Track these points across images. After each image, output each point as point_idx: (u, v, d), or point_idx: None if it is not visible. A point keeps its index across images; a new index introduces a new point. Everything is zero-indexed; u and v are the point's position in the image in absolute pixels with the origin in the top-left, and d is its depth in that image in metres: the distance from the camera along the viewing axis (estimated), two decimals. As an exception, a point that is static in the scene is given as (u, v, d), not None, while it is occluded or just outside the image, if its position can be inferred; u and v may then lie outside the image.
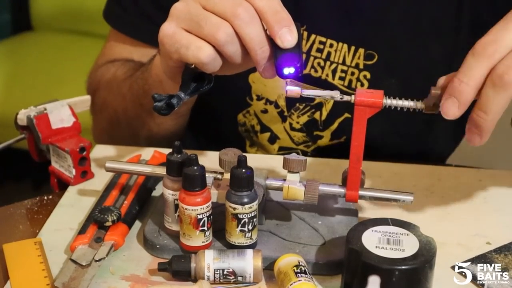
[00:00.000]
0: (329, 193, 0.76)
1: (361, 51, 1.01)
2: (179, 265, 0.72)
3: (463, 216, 0.85)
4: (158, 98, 0.74)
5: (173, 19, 0.75)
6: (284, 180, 0.76)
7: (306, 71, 1.02)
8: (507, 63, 0.67)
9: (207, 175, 0.74)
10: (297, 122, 1.06)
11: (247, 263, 0.71)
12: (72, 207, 0.85)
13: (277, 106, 1.06)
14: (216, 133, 1.13)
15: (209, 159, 0.81)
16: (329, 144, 1.07)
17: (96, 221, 0.77)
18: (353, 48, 1.01)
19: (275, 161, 0.90)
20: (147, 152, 0.93)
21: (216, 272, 0.71)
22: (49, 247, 0.78)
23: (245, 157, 0.73)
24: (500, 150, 1.66)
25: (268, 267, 0.73)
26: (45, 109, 0.89)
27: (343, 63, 1.02)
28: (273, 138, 1.08)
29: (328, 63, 1.02)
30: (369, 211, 0.81)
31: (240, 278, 0.71)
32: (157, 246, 0.76)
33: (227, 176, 0.75)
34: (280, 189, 0.76)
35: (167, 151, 0.81)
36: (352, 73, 1.02)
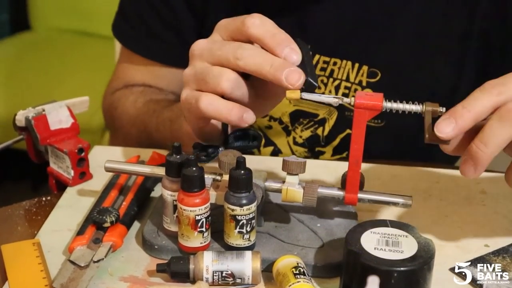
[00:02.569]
0: (328, 195, 0.76)
1: (365, 68, 1.01)
2: (177, 266, 0.72)
3: (461, 218, 0.85)
4: (197, 145, 0.79)
5: (186, 85, 0.78)
6: (283, 182, 0.76)
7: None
8: None
9: (206, 176, 0.74)
10: (300, 137, 1.06)
11: (246, 265, 0.71)
12: (71, 208, 0.85)
13: (281, 122, 1.07)
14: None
15: (208, 161, 0.82)
16: (332, 159, 1.08)
17: (95, 222, 0.77)
18: (357, 65, 1.01)
19: (274, 163, 0.90)
20: (146, 153, 0.93)
21: (214, 274, 0.71)
22: (48, 248, 0.78)
23: (244, 158, 0.73)
24: (499, 153, 1.66)
25: (267, 269, 0.73)
26: (44, 110, 0.89)
27: (347, 79, 1.02)
28: (276, 153, 1.09)
29: (331, 79, 1.02)
30: (367, 213, 0.81)
31: (238, 280, 0.71)
32: (156, 247, 0.76)
33: (226, 177, 0.75)
34: (279, 191, 0.76)
35: (166, 152, 0.81)
36: (355, 90, 1.02)
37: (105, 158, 0.82)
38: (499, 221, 0.84)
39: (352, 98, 0.72)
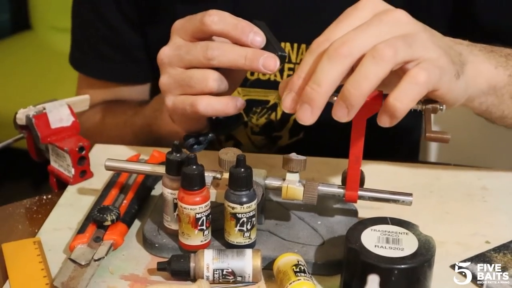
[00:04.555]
0: (328, 193, 0.76)
1: (303, 46, 1.04)
2: (178, 264, 0.72)
3: (462, 215, 0.85)
4: (188, 137, 0.82)
5: (167, 93, 0.81)
6: (283, 179, 0.76)
7: (254, 77, 1.06)
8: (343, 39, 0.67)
9: (206, 174, 0.74)
10: (257, 126, 1.09)
11: (246, 263, 0.71)
12: (71, 207, 0.85)
13: None
14: None
15: (209, 158, 0.81)
16: (289, 143, 1.10)
17: (95, 221, 0.77)
18: (295, 45, 1.04)
19: (274, 161, 0.90)
20: (146, 152, 0.93)
21: (215, 272, 0.71)
22: (48, 246, 0.78)
23: (244, 156, 0.73)
24: (499, 149, 1.67)
25: (267, 266, 0.73)
26: (44, 109, 0.89)
27: (289, 61, 1.04)
28: (236, 145, 1.10)
29: None
30: (368, 210, 0.81)
31: (239, 278, 0.71)
32: (156, 245, 0.77)
33: (226, 175, 0.75)
34: (279, 188, 0.76)
35: (166, 150, 0.81)
36: None
37: (106, 156, 0.82)
38: (500, 218, 0.84)
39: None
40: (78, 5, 1.13)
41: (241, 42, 0.76)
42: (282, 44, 1.03)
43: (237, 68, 0.77)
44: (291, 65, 1.05)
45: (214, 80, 0.77)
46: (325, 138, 1.06)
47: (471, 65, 0.75)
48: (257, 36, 0.76)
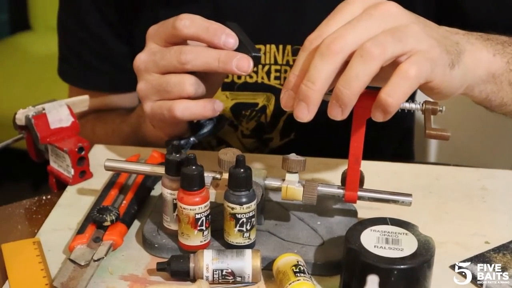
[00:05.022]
0: (328, 193, 0.76)
1: (288, 47, 1.04)
2: (177, 265, 0.72)
3: (461, 215, 0.85)
4: (170, 142, 0.82)
5: (145, 99, 0.81)
6: (283, 180, 0.76)
7: (241, 80, 1.06)
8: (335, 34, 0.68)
9: (206, 174, 0.74)
10: (247, 129, 1.09)
11: (246, 263, 0.71)
12: (71, 207, 0.85)
13: None
14: None
15: (208, 159, 0.81)
16: (281, 144, 1.10)
17: (95, 221, 0.77)
18: (281, 46, 1.04)
19: (274, 161, 0.90)
20: (146, 152, 0.93)
21: (214, 272, 0.71)
22: (48, 247, 0.78)
23: (244, 156, 0.73)
24: (498, 149, 1.67)
25: (267, 267, 0.73)
26: (44, 109, 0.89)
27: (275, 62, 1.05)
28: None
29: (260, 66, 1.05)
30: (367, 211, 0.81)
31: (239, 279, 0.71)
32: (156, 246, 0.77)
33: (225, 175, 0.75)
34: (278, 189, 0.76)
35: (165, 151, 0.81)
36: (285, 71, 1.05)
37: (105, 157, 0.82)
38: (499, 218, 0.84)
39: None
40: (63, 17, 1.14)
41: (214, 44, 0.77)
42: (268, 47, 1.03)
43: (212, 71, 0.77)
44: (278, 67, 1.05)
45: (190, 84, 0.78)
46: (316, 138, 1.06)
47: (468, 54, 0.75)
48: (230, 38, 0.77)
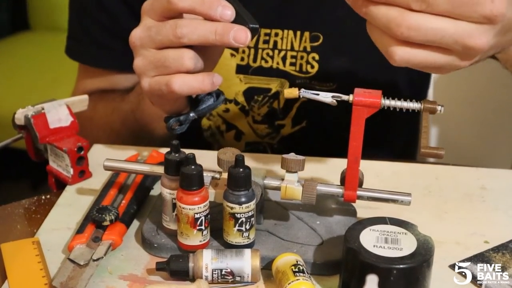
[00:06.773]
0: (327, 193, 0.76)
1: (307, 34, 1.03)
2: (177, 264, 0.72)
3: (461, 215, 0.85)
4: (169, 119, 0.81)
5: (142, 75, 0.80)
6: (282, 179, 0.76)
7: (257, 64, 1.05)
8: None
9: (205, 174, 0.74)
10: (259, 114, 1.09)
11: (245, 263, 0.71)
12: (70, 207, 0.85)
13: (237, 103, 1.08)
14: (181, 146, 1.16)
15: (208, 158, 0.81)
16: (292, 131, 1.10)
17: (94, 221, 0.77)
18: (298, 32, 1.04)
19: (273, 161, 0.90)
20: (145, 152, 0.93)
21: (214, 272, 0.71)
22: (47, 246, 0.78)
23: (243, 156, 0.73)
24: (498, 149, 1.67)
25: (266, 266, 0.73)
26: (43, 109, 0.89)
27: (292, 48, 1.04)
28: (239, 135, 1.10)
29: (276, 51, 1.04)
30: (366, 210, 0.81)
31: (238, 278, 0.71)
32: (155, 245, 0.76)
33: (225, 175, 0.75)
34: (278, 188, 0.76)
35: (164, 150, 0.81)
36: (302, 57, 1.04)
37: (104, 156, 0.82)
38: (498, 217, 0.84)
39: (351, 96, 0.72)
40: None
41: (210, 17, 0.75)
42: (285, 32, 1.03)
43: (209, 44, 0.76)
44: (294, 53, 1.04)
45: (189, 58, 0.77)
46: (328, 126, 1.05)
47: None
48: (226, 10, 0.75)
